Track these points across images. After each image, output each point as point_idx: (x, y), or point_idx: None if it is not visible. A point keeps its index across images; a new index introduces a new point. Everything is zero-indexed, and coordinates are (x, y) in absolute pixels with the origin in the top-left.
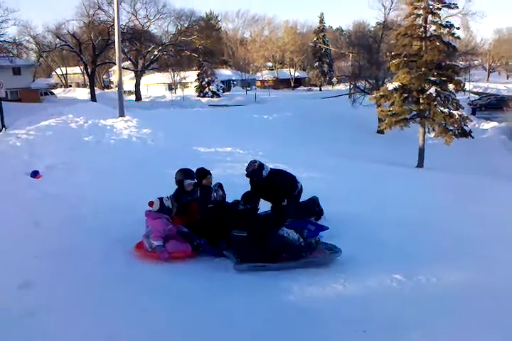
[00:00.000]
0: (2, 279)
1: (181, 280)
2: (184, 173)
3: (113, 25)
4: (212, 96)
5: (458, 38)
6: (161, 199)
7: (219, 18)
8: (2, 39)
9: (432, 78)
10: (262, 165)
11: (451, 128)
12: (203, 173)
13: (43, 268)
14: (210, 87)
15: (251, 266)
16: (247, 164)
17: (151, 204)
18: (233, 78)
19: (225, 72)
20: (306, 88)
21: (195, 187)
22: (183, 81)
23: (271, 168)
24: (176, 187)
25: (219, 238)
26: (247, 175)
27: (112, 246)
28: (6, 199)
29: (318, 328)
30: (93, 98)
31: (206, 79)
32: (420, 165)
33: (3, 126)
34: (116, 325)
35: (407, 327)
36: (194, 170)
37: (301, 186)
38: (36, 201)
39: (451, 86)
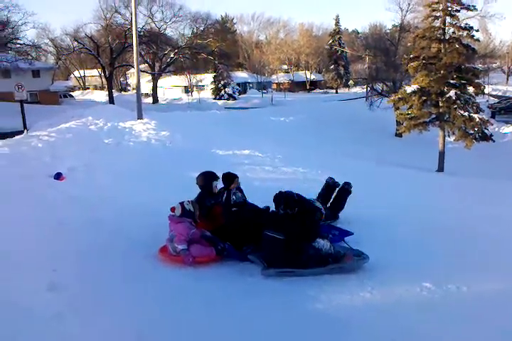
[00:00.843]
0: (27, 281)
1: (205, 284)
2: (208, 176)
3: (130, 28)
4: (228, 99)
5: (477, 40)
6: (182, 203)
7: (234, 21)
8: (21, 42)
9: (452, 81)
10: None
11: (472, 131)
12: (231, 177)
13: (67, 269)
14: (226, 89)
15: (278, 271)
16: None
17: (172, 209)
18: (249, 81)
19: (241, 75)
20: (322, 91)
21: (222, 190)
22: (199, 83)
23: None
24: (197, 189)
25: (243, 242)
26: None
27: (134, 248)
28: (29, 200)
29: (344, 337)
30: (111, 100)
31: (222, 82)
32: (441, 169)
33: (25, 127)
34: (140, 327)
35: (437, 337)
36: (215, 172)
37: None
38: (59, 202)
39: (470, 89)
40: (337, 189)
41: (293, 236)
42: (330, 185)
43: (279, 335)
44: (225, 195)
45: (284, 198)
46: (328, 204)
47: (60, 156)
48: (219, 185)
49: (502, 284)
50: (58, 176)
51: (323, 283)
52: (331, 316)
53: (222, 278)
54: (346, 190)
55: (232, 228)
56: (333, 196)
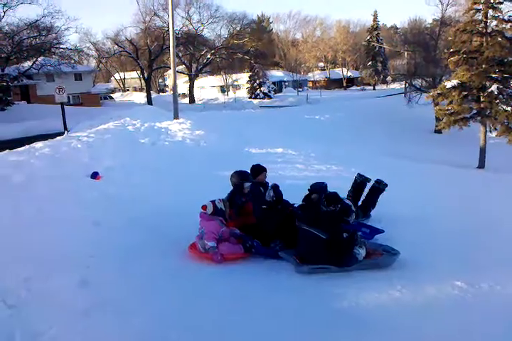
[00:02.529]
0: (61, 278)
1: (233, 281)
2: (242, 176)
3: (168, 30)
4: (263, 98)
5: None
6: (213, 202)
7: (271, 20)
8: (64, 46)
9: (494, 75)
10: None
11: None
12: (259, 169)
13: (100, 267)
14: (262, 88)
15: (312, 268)
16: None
17: (204, 207)
18: (284, 79)
19: (277, 74)
20: (359, 87)
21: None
22: (235, 83)
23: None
24: (231, 188)
25: (271, 238)
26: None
27: (167, 247)
28: (67, 199)
29: (371, 336)
30: (149, 101)
31: (257, 81)
32: (481, 165)
33: (65, 128)
34: (169, 324)
35: (469, 337)
36: (248, 170)
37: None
38: (96, 201)
39: None
40: (368, 186)
41: (337, 237)
42: (358, 182)
43: (304, 333)
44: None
45: (328, 195)
46: (360, 202)
47: (97, 156)
48: None
49: None
50: (95, 175)
51: (351, 281)
52: (358, 315)
53: (249, 275)
54: (378, 188)
55: (261, 224)
56: (363, 193)
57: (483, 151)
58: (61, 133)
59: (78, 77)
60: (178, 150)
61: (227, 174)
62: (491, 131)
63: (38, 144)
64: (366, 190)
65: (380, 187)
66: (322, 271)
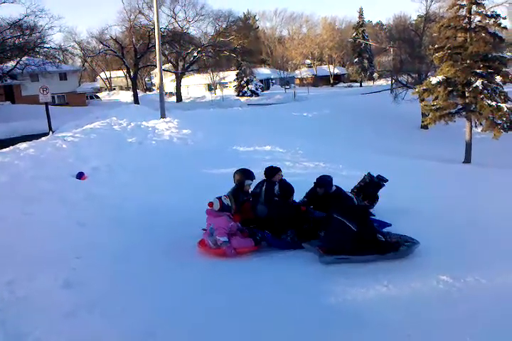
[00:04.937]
0: (45, 279)
1: (221, 280)
2: (244, 174)
3: (153, 28)
4: (251, 96)
5: (505, 28)
6: (219, 198)
7: (257, 18)
8: (48, 46)
9: (478, 70)
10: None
11: (500, 121)
12: (274, 170)
13: (86, 267)
14: (249, 86)
15: (336, 258)
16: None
17: (210, 204)
18: (272, 77)
19: (264, 71)
20: (345, 84)
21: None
22: (222, 81)
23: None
24: (233, 185)
25: (282, 230)
26: (316, 185)
27: (154, 247)
28: (52, 199)
29: (358, 332)
30: (136, 100)
31: (245, 79)
32: (467, 160)
33: (50, 129)
34: (156, 324)
35: (454, 331)
36: (235, 169)
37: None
38: (81, 202)
39: (498, 78)
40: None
41: (367, 232)
42: (367, 181)
43: (292, 329)
44: (264, 186)
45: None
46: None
47: (83, 156)
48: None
49: None
50: (80, 176)
51: (338, 278)
52: (346, 311)
53: (234, 273)
54: (378, 183)
55: (274, 218)
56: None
57: (468, 146)
58: (46, 134)
59: (63, 76)
60: (166, 149)
61: (215, 172)
62: (476, 126)
63: (23, 145)
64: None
65: (380, 183)
66: (347, 260)
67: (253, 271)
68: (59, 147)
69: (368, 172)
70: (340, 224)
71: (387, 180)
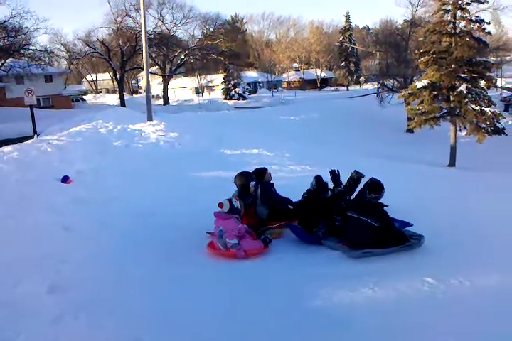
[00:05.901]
0: (30, 284)
1: (208, 283)
2: (247, 176)
3: (140, 31)
4: (238, 99)
5: (489, 33)
6: (229, 200)
7: (244, 21)
8: (34, 48)
9: (463, 75)
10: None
11: (484, 125)
12: (262, 171)
13: (71, 272)
14: (237, 89)
15: (363, 252)
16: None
17: (220, 205)
18: (259, 80)
19: (251, 74)
20: (333, 88)
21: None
22: (210, 84)
23: None
24: (237, 189)
25: (314, 225)
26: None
27: (140, 251)
28: (36, 203)
29: (345, 335)
30: (122, 103)
31: (232, 82)
32: (452, 164)
33: (35, 132)
34: (143, 327)
35: (439, 333)
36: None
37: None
38: (66, 206)
39: (482, 82)
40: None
41: (387, 225)
42: (355, 178)
43: (277, 333)
44: (259, 189)
45: (370, 183)
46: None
47: (68, 160)
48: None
49: (505, 278)
50: (65, 179)
51: (324, 280)
52: (331, 314)
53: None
54: (357, 179)
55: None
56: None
57: (453, 150)
58: (31, 137)
59: (49, 78)
60: (152, 152)
61: (203, 175)
62: (460, 130)
63: (7, 148)
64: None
65: (359, 178)
66: (369, 254)
67: (245, 277)
68: (44, 150)
69: (355, 170)
70: (358, 222)
71: (364, 176)
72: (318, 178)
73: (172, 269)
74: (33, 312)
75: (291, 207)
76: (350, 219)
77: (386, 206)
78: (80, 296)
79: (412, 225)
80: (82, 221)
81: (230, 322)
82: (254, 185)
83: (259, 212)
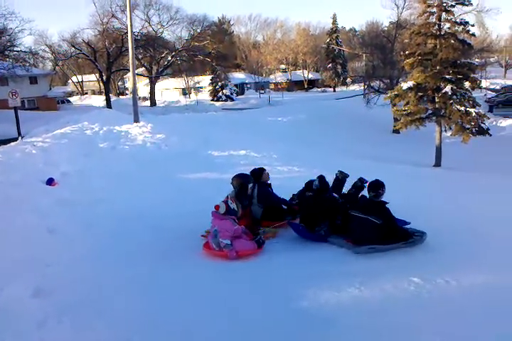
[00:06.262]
0: (14, 288)
1: (194, 285)
2: (245, 178)
3: (127, 32)
4: (226, 100)
5: (473, 35)
6: (226, 202)
7: (231, 23)
8: (18, 49)
9: (448, 76)
10: None
11: (468, 126)
12: (260, 171)
13: (56, 275)
14: (224, 90)
15: (368, 248)
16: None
17: (216, 207)
18: (246, 81)
19: (239, 76)
20: (320, 89)
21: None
22: (197, 85)
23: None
24: (233, 190)
25: (316, 224)
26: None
27: (126, 253)
28: (20, 206)
29: (331, 335)
30: (108, 105)
31: (220, 84)
32: (438, 164)
33: (19, 134)
34: (130, 330)
35: (425, 332)
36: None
37: None
38: (51, 208)
39: (467, 84)
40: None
41: (389, 222)
42: (339, 178)
43: (264, 333)
44: (256, 189)
45: (371, 182)
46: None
47: (53, 162)
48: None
49: (490, 277)
50: (50, 182)
51: (309, 281)
52: (318, 313)
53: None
54: (361, 186)
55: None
56: (344, 188)
57: (439, 150)
58: (15, 139)
59: (33, 80)
60: (139, 154)
61: (190, 177)
62: (446, 131)
63: None
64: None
65: (362, 185)
66: (373, 250)
67: (236, 277)
68: (28, 152)
69: (339, 170)
70: (362, 220)
71: (367, 181)
72: (321, 178)
73: (160, 270)
74: (17, 316)
75: (285, 207)
76: (354, 218)
77: (387, 203)
78: (64, 300)
79: (409, 223)
80: (68, 223)
81: (220, 322)
82: (251, 187)
83: (253, 212)
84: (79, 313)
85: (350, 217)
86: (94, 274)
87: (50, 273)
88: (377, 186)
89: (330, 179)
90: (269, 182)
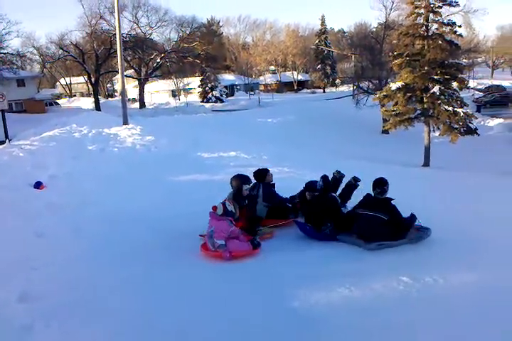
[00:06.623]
0: (0, 291)
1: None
2: (242, 179)
3: (115, 34)
4: (215, 102)
5: (460, 35)
6: (223, 204)
7: (220, 24)
8: (5, 51)
9: (436, 77)
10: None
11: (456, 126)
12: (263, 172)
13: (44, 279)
14: (214, 92)
15: (378, 244)
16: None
17: (214, 208)
18: (236, 83)
19: (228, 77)
20: (309, 90)
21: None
22: (187, 87)
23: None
24: (232, 191)
25: (322, 223)
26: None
27: (115, 257)
28: (8, 210)
29: (322, 335)
30: (97, 107)
31: (209, 85)
32: (426, 164)
33: (6, 137)
34: (115, 335)
35: (415, 331)
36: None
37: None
38: (39, 212)
39: (454, 84)
40: (345, 182)
41: (396, 217)
42: (337, 178)
43: (254, 333)
44: (261, 189)
45: (375, 180)
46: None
47: (41, 165)
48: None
49: (477, 275)
50: (38, 185)
51: (299, 281)
52: (309, 314)
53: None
54: (353, 184)
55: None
56: (341, 187)
57: (427, 150)
58: (2, 142)
59: (21, 82)
60: (128, 156)
61: (180, 179)
62: (434, 131)
63: None
64: (342, 185)
65: (355, 183)
66: (383, 246)
67: (229, 277)
68: (16, 155)
69: (337, 170)
70: (369, 218)
71: (360, 180)
72: (324, 178)
73: (149, 273)
74: (3, 320)
75: (290, 205)
76: (362, 216)
77: (393, 199)
78: (51, 304)
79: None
80: (55, 227)
81: (215, 322)
82: (247, 189)
83: (258, 210)
84: (64, 318)
85: (357, 216)
86: (79, 279)
87: (37, 277)
88: (382, 183)
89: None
90: (273, 182)
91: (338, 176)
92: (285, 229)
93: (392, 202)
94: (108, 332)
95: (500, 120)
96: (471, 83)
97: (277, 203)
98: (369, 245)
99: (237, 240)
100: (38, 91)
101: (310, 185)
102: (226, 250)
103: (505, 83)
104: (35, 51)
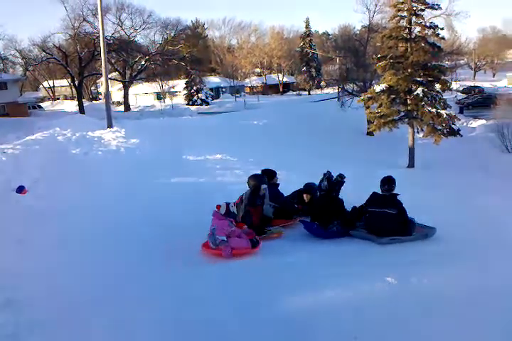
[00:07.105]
0: None
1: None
2: (259, 179)
3: (99, 36)
4: (201, 104)
5: (443, 38)
6: (227, 204)
7: (205, 26)
8: None
9: (419, 79)
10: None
11: (440, 127)
12: (273, 173)
13: (26, 286)
14: (199, 94)
15: (390, 239)
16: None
17: (218, 207)
18: (222, 85)
19: (214, 80)
20: (295, 93)
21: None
22: (172, 90)
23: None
24: (248, 190)
25: (329, 221)
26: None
27: (98, 263)
28: None
29: (310, 335)
30: (81, 110)
31: (195, 88)
32: (411, 165)
33: None
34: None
35: (400, 330)
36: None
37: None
38: (20, 217)
39: (437, 86)
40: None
41: (402, 211)
42: (339, 180)
43: (242, 336)
44: (267, 191)
45: (383, 178)
46: None
47: (24, 169)
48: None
49: (461, 274)
50: (20, 190)
51: (285, 283)
52: (296, 314)
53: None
54: (340, 181)
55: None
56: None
57: (412, 151)
58: None
59: (3, 86)
60: (112, 159)
61: (165, 182)
62: (418, 132)
63: None
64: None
65: (341, 180)
66: (394, 241)
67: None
68: None
69: (340, 173)
70: (379, 214)
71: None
72: (329, 179)
73: (132, 282)
74: None
75: (297, 206)
76: (372, 213)
77: (398, 195)
78: (35, 312)
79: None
80: (37, 233)
81: (213, 322)
82: (265, 188)
83: (265, 210)
84: (48, 325)
85: (368, 213)
86: (62, 285)
87: (20, 284)
88: (390, 181)
89: (314, 180)
90: (277, 182)
91: (340, 179)
92: (293, 230)
93: (397, 197)
94: (95, 339)
95: (483, 121)
96: (454, 85)
97: (282, 203)
98: (381, 240)
99: (237, 237)
100: (21, 95)
101: (308, 187)
102: (228, 245)
103: (486, 84)
104: (17, 54)
